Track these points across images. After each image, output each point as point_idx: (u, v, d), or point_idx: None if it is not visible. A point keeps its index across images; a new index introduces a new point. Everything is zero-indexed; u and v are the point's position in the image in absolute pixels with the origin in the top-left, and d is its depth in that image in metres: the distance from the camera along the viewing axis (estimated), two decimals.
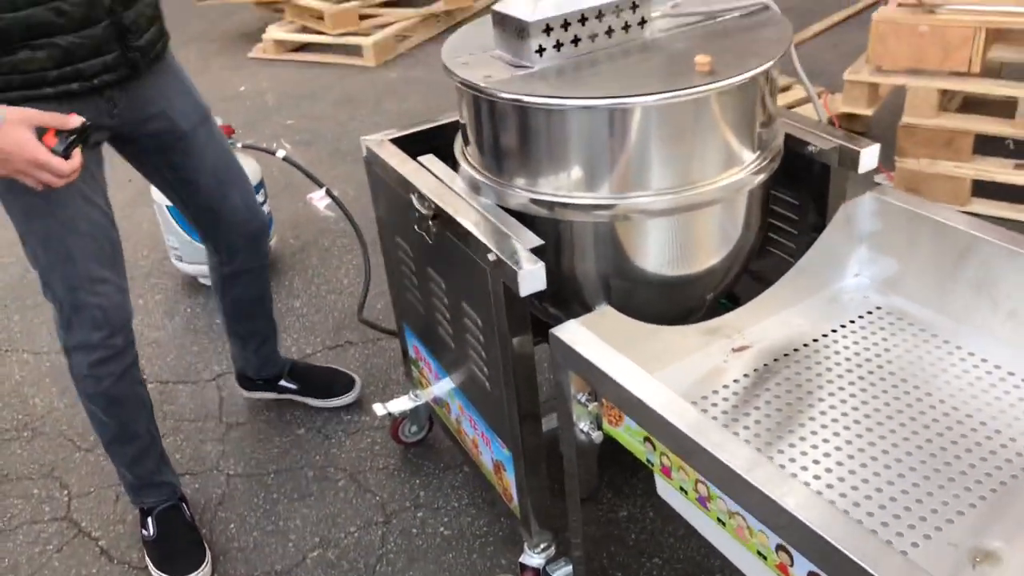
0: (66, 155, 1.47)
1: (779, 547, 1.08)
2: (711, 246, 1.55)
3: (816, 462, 1.28)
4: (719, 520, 1.18)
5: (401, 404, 2.10)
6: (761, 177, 1.51)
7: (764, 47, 1.47)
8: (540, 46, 1.46)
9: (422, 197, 1.58)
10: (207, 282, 2.95)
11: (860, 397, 1.39)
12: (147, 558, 1.98)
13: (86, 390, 1.83)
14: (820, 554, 0.99)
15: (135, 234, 3.23)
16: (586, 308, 1.57)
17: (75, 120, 1.49)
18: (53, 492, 2.19)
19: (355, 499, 2.07)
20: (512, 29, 1.47)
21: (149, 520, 1.99)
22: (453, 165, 1.68)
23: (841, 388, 1.42)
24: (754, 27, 1.56)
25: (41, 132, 1.46)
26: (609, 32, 1.51)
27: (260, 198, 2.88)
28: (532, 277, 1.35)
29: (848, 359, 1.47)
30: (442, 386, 1.88)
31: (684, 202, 1.45)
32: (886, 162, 2.86)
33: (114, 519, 2.10)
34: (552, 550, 1.73)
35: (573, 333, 1.32)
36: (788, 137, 1.62)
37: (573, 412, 1.36)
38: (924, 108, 2.79)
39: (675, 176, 1.44)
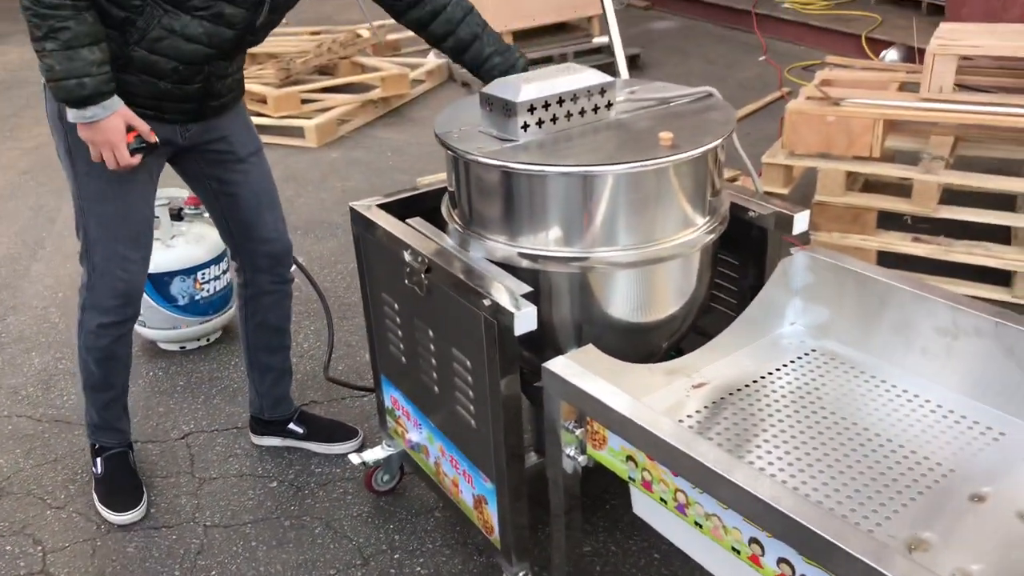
0: (132, 153, 1.92)
1: (752, 540, 1.28)
2: (670, 297, 1.78)
3: (771, 476, 1.49)
4: (696, 523, 1.37)
5: (375, 453, 2.24)
6: (712, 236, 1.75)
7: (713, 127, 1.73)
8: (525, 122, 1.69)
9: (415, 253, 1.77)
10: (168, 347, 3.04)
11: (802, 424, 1.62)
12: (94, 493, 2.34)
13: (87, 343, 2.19)
14: (795, 536, 1.18)
15: None
16: (559, 353, 1.76)
17: (153, 137, 1.95)
18: (27, 548, 2.22)
19: (332, 544, 2.18)
20: (500, 108, 1.70)
21: (98, 460, 2.35)
22: (437, 226, 1.87)
23: (787, 416, 1.64)
24: (702, 110, 1.83)
25: (129, 128, 1.90)
26: (582, 112, 1.75)
27: (223, 267, 3.01)
28: (526, 318, 1.54)
29: (790, 392, 1.71)
30: (422, 431, 2.03)
31: (647, 256, 1.68)
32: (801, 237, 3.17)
33: (93, 571, 2.14)
34: None
35: (564, 366, 1.51)
36: (732, 205, 1.87)
37: (561, 439, 1.54)
38: (833, 188, 3.14)
39: (639, 234, 1.67)
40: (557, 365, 1.52)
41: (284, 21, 2.29)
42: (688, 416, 1.65)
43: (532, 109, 1.69)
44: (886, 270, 1.76)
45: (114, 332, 2.17)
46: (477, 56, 2.03)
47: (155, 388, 2.84)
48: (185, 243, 2.93)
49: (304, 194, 4.33)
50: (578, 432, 1.53)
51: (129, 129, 1.90)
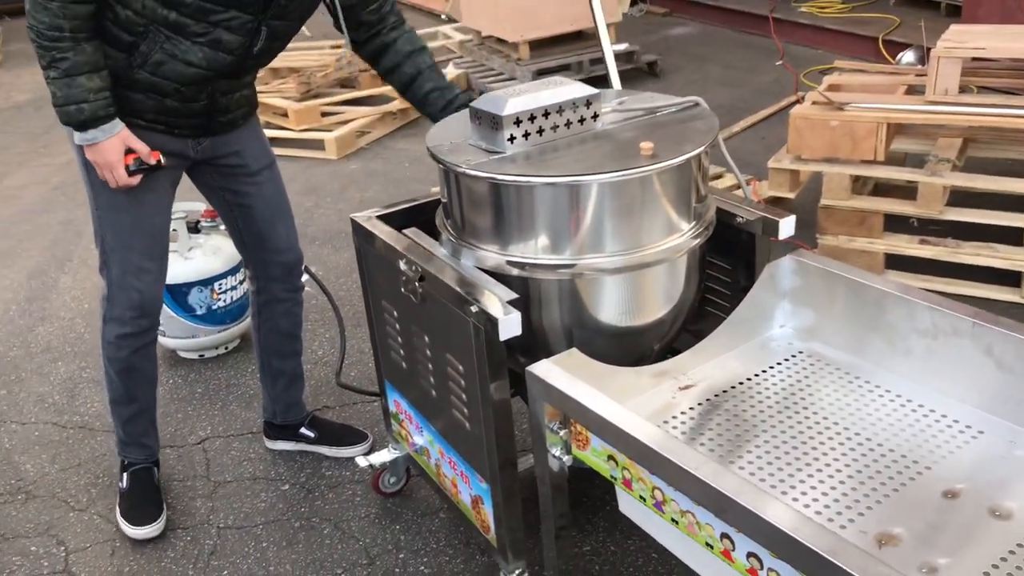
0: (131, 174, 2.01)
1: (723, 535, 1.32)
2: (657, 301, 1.83)
3: (752, 475, 1.53)
4: (673, 520, 1.42)
5: (382, 456, 2.31)
6: (698, 241, 1.80)
7: (696, 136, 1.78)
8: (511, 135, 1.75)
9: (409, 262, 1.84)
10: (188, 355, 3.14)
11: (787, 423, 1.66)
12: (117, 506, 2.38)
13: (108, 354, 2.25)
14: (756, 531, 1.22)
15: None
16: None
17: (154, 158, 2.03)
18: (51, 548, 2.32)
19: (340, 545, 2.25)
20: (488, 122, 1.76)
21: (125, 475, 2.39)
22: (432, 237, 1.94)
23: (772, 416, 1.68)
24: (687, 120, 1.88)
25: (129, 150, 2.00)
26: (568, 124, 1.81)
27: (239, 278, 3.10)
28: (510, 324, 1.60)
29: (777, 393, 1.74)
30: (424, 434, 2.10)
31: (633, 262, 1.73)
32: (809, 240, 3.20)
33: (112, 571, 2.23)
34: None
35: (546, 370, 1.57)
36: (719, 211, 1.92)
37: (546, 439, 1.60)
38: (839, 191, 3.16)
39: (625, 240, 1.72)
40: (540, 369, 1.57)
41: (308, 35, 2.39)
42: (674, 417, 1.70)
43: (518, 122, 1.74)
44: (871, 274, 1.79)
45: (132, 343, 2.23)
46: (418, 91, 2.16)
47: (174, 395, 2.94)
48: (202, 255, 3.02)
49: (323, 205, 4.43)
50: (562, 433, 1.58)
51: (129, 151, 2.00)
